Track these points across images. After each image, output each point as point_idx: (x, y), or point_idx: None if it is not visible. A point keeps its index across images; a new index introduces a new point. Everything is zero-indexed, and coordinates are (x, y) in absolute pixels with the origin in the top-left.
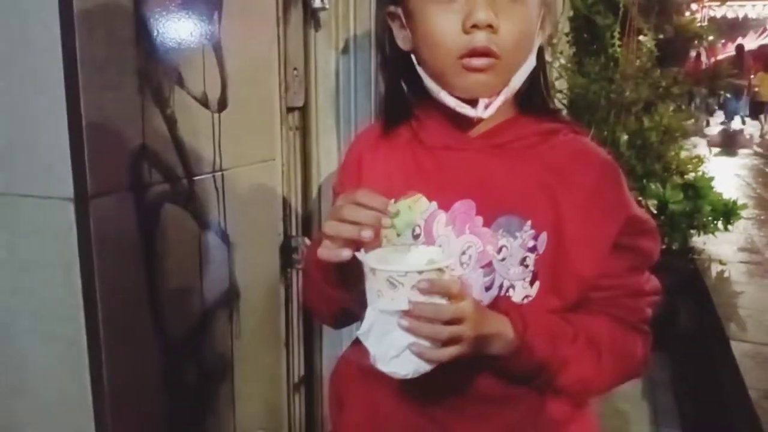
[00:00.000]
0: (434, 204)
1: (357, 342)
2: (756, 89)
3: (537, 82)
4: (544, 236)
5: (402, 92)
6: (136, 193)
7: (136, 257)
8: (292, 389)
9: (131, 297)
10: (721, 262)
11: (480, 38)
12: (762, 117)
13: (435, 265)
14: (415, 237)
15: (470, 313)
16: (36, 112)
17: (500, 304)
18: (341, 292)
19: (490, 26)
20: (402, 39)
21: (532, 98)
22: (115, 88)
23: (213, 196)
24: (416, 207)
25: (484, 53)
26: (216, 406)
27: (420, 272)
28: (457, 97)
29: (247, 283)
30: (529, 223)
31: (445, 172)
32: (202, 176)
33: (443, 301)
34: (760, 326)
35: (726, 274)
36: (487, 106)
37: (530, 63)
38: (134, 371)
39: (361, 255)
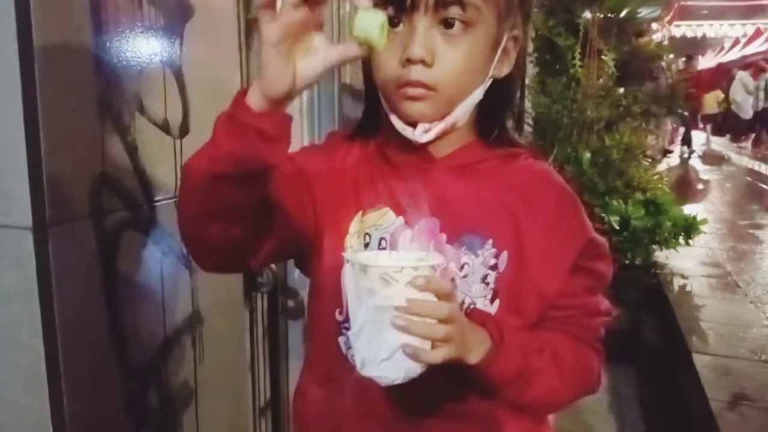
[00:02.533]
0: (401, 219)
1: (313, 364)
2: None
3: (497, 112)
4: (505, 255)
5: (376, 109)
6: (96, 221)
7: (96, 285)
8: (258, 413)
9: (92, 325)
10: (683, 276)
11: (414, 72)
12: (708, 128)
13: (428, 262)
14: (381, 250)
15: (459, 314)
16: None
17: (475, 315)
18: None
19: (423, 61)
20: None
21: (489, 127)
22: (75, 116)
23: (174, 222)
24: (383, 219)
25: (419, 85)
26: None
27: (415, 268)
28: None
29: (210, 307)
30: (490, 241)
31: (410, 189)
32: (164, 202)
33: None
34: (720, 339)
35: (688, 288)
36: (427, 131)
37: (476, 95)
38: (96, 399)
39: (349, 255)
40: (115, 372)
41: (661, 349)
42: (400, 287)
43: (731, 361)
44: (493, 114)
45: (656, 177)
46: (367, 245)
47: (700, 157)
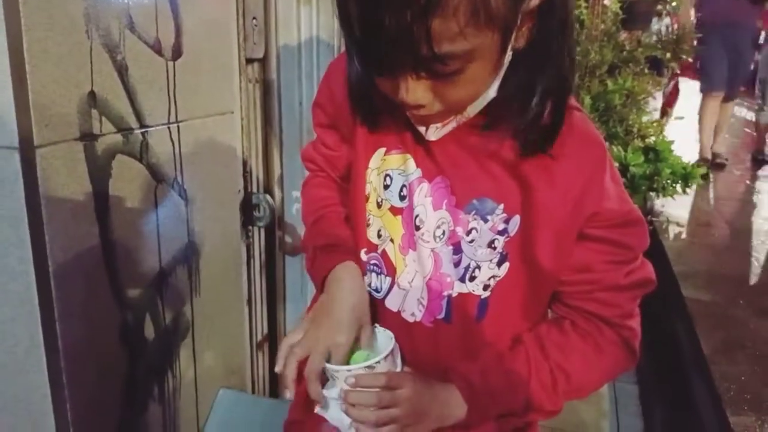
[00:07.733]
0: (419, 171)
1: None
2: None
3: (516, 83)
4: (516, 219)
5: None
6: (86, 143)
7: (87, 210)
8: (255, 348)
9: (84, 251)
10: (678, 224)
11: (416, 111)
12: None
13: (364, 363)
14: (402, 198)
15: (405, 397)
16: None
17: (449, 374)
18: None
19: (420, 105)
20: None
21: (510, 96)
22: (61, 30)
23: (169, 149)
24: (405, 165)
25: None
26: (176, 365)
27: (349, 370)
28: None
29: (206, 239)
30: (501, 206)
31: (429, 144)
32: (157, 127)
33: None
34: (713, 286)
35: (683, 236)
36: (439, 128)
37: (490, 93)
38: (89, 328)
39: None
40: (109, 300)
41: (655, 296)
42: (341, 382)
43: (725, 309)
44: (514, 85)
45: (656, 124)
46: (387, 187)
47: None
